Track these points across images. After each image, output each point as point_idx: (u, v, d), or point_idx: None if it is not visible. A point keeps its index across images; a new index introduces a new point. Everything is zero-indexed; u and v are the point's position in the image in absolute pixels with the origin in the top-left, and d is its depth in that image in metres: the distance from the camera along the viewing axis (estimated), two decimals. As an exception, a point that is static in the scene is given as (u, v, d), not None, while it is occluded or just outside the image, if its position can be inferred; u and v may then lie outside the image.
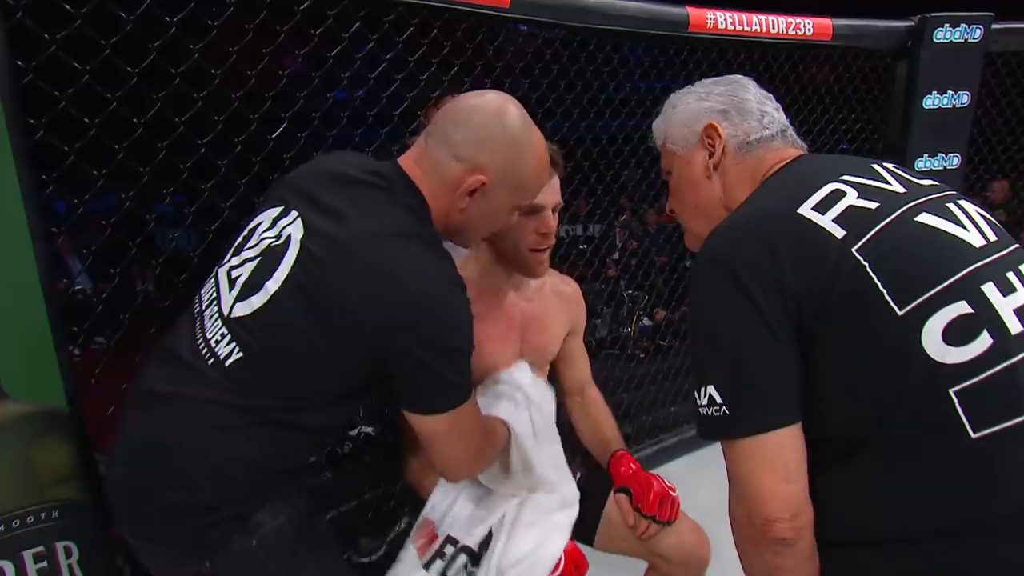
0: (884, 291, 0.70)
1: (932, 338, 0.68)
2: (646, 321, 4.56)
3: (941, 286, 0.70)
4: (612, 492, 1.30)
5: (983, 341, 0.68)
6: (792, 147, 0.93)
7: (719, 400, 0.74)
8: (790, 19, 2.10)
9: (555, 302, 1.35)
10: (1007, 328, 0.68)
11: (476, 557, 1.14)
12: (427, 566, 1.14)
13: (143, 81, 1.21)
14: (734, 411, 0.74)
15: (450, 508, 1.19)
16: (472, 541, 1.15)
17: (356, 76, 1.63)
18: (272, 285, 0.86)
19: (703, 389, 0.76)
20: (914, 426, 0.69)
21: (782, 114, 0.95)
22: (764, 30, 2.06)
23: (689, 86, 1.00)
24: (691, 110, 0.96)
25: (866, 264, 0.71)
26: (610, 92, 2.24)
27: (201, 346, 0.89)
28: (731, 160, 0.92)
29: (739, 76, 0.99)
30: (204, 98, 1.32)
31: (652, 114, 1.05)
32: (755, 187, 0.88)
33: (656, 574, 1.33)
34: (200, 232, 1.44)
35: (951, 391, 0.67)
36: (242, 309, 0.88)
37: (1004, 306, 0.69)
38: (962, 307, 0.69)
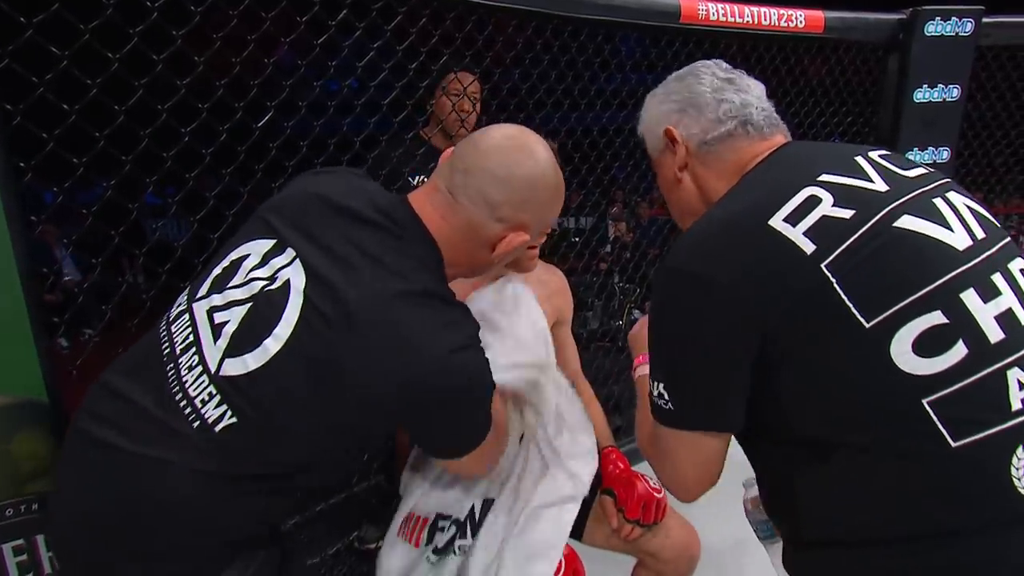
0: (851, 305, 0.69)
1: (902, 349, 0.67)
2: (637, 314, 4.57)
3: (914, 296, 0.68)
4: (599, 490, 1.29)
5: (957, 351, 0.67)
6: (760, 137, 0.88)
7: (667, 397, 0.79)
8: (782, 11, 2.09)
9: (539, 293, 1.33)
10: (986, 337, 0.67)
11: (463, 528, 1.15)
12: (428, 543, 1.15)
13: (124, 68, 1.19)
14: (679, 410, 0.79)
15: (429, 491, 1.19)
16: (461, 514, 1.16)
17: (343, 65, 1.61)
18: (273, 344, 0.76)
19: (655, 382, 0.81)
20: (892, 434, 0.69)
21: (747, 95, 0.89)
22: (756, 22, 2.05)
23: (658, 86, 0.98)
24: (653, 115, 0.96)
25: (833, 280, 0.69)
26: (601, 84, 2.23)
27: (182, 404, 0.77)
28: (695, 159, 0.90)
29: (699, 65, 0.94)
30: (188, 86, 1.30)
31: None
32: (734, 181, 0.86)
33: (644, 570, 1.32)
34: (188, 222, 1.42)
35: (924, 402, 0.67)
36: (234, 367, 0.77)
37: (984, 314, 0.68)
38: (936, 317, 0.67)
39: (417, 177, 1.90)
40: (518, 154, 0.89)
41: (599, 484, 1.29)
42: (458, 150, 0.92)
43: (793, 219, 0.73)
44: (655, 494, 1.25)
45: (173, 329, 0.84)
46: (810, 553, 0.77)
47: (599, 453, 1.32)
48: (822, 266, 0.70)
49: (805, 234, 0.72)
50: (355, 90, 1.65)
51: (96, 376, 1.20)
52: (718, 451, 0.81)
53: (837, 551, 0.74)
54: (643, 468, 1.37)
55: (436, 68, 1.82)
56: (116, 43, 1.17)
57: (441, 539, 1.14)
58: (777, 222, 0.73)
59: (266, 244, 0.85)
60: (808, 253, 0.71)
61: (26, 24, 1.04)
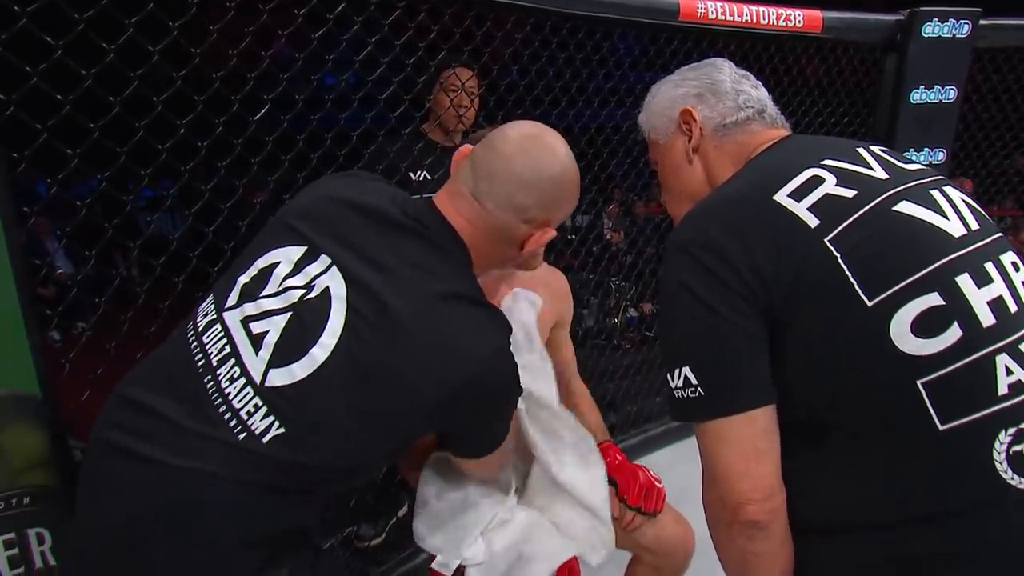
0: (855, 282, 0.69)
1: (901, 330, 0.68)
2: (632, 312, 4.58)
3: (913, 277, 0.69)
4: None
5: (952, 333, 0.67)
6: (774, 128, 0.92)
7: (694, 381, 0.74)
8: (781, 10, 2.10)
9: (543, 294, 1.34)
10: (978, 320, 0.68)
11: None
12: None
13: (120, 59, 1.18)
14: (709, 392, 0.73)
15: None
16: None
17: (341, 59, 1.60)
18: (320, 353, 0.77)
19: (677, 370, 0.75)
20: (883, 415, 0.69)
21: (762, 91, 0.94)
22: (755, 21, 2.05)
23: (667, 76, 1.00)
24: (667, 98, 0.96)
25: (838, 255, 0.70)
26: (599, 81, 2.22)
27: (226, 416, 0.76)
28: (710, 143, 0.92)
29: (715, 59, 0.97)
30: (183, 78, 1.29)
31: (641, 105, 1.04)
32: (738, 168, 0.87)
33: (640, 565, 1.33)
34: (183, 215, 1.41)
35: (919, 382, 0.67)
36: (281, 378, 0.77)
37: (978, 298, 0.69)
38: (934, 299, 0.68)
39: (419, 173, 1.89)
40: (542, 154, 0.89)
41: None
42: (478, 154, 0.91)
43: (797, 195, 0.74)
44: (656, 483, 1.28)
45: (205, 340, 0.82)
46: (799, 541, 0.77)
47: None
48: (825, 240, 0.71)
49: (810, 209, 0.73)
50: (353, 85, 1.64)
51: (87, 370, 1.20)
52: (768, 431, 0.72)
53: (825, 538, 0.74)
54: (640, 463, 1.37)
55: (434, 63, 1.81)
56: (111, 34, 1.16)
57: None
58: (782, 197, 0.75)
59: (297, 251, 0.84)
60: (812, 227, 0.72)
61: (19, 13, 1.03)
